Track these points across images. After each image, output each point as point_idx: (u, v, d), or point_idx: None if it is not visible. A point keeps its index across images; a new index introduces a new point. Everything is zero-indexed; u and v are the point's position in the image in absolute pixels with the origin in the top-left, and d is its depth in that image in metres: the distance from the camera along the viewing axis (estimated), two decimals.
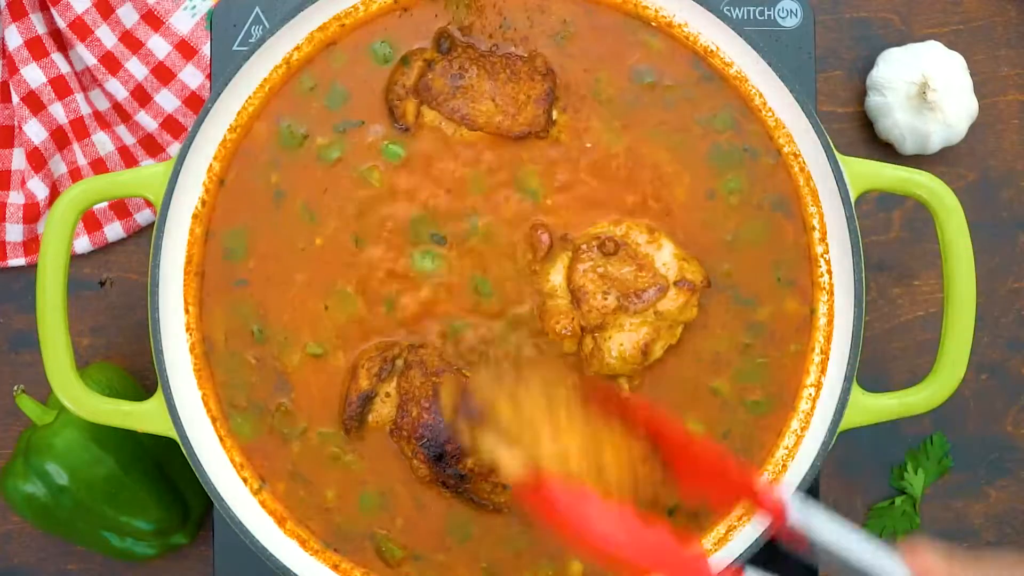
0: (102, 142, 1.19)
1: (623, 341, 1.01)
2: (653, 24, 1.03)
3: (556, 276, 1.02)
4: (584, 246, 1.01)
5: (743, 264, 1.03)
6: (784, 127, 1.02)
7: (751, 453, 1.02)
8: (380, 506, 1.03)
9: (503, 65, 1.03)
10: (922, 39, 1.19)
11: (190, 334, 1.02)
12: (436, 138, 1.03)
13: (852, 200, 0.99)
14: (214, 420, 1.02)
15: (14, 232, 1.18)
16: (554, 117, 1.03)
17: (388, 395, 1.02)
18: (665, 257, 1.01)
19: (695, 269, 1.01)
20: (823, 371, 1.02)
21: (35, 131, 1.16)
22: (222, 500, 1.00)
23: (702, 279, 1.01)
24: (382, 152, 1.03)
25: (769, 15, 1.09)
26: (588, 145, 1.03)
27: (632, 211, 1.03)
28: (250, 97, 1.02)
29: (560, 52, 1.03)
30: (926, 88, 1.13)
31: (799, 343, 1.03)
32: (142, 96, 1.18)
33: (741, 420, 1.03)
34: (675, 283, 1.00)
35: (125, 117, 1.20)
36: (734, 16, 1.09)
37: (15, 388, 1.09)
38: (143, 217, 1.20)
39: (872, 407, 1.00)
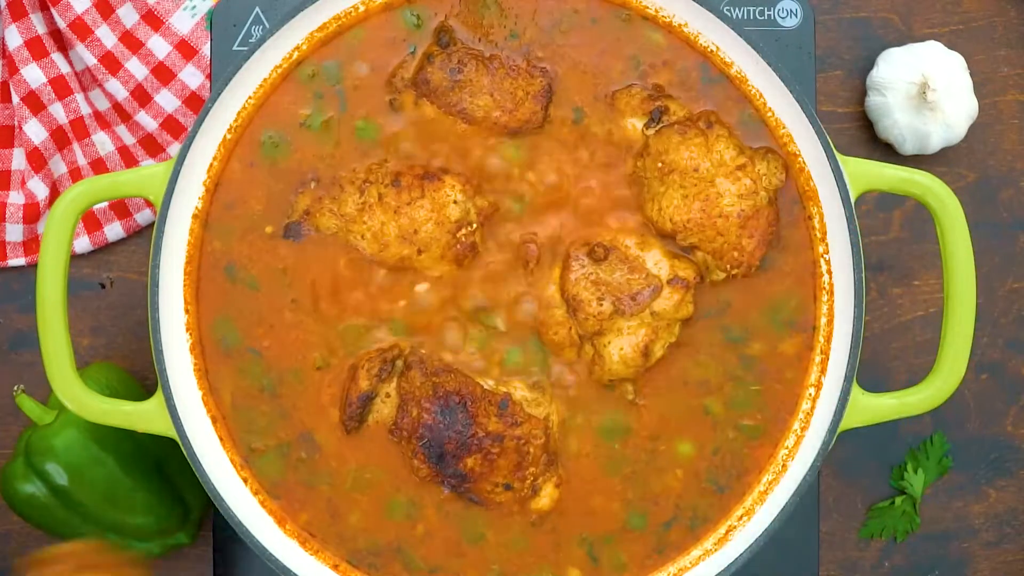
0: (102, 142, 1.19)
1: (623, 345, 1.00)
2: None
3: (549, 287, 1.02)
4: (573, 254, 1.01)
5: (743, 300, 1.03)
6: (784, 127, 1.02)
7: (753, 451, 1.03)
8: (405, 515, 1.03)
9: (501, 61, 1.03)
10: (922, 39, 1.19)
11: (190, 334, 1.02)
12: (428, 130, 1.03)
13: (852, 200, 0.99)
14: (214, 420, 1.02)
15: (14, 232, 1.18)
16: (550, 114, 1.03)
17: (388, 395, 1.02)
18: (656, 257, 1.01)
19: (687, 266, 1.01)
20: (823, 371, 1.02)
21: (35, 131, 1.16)
22: (222, 500, 1.00)
23: (695, 275, 1.01)
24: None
25: (769, 15, 1.09)
26: (587, 150, 1.03)
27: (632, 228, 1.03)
28: (250, 97, 1.02)
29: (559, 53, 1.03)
30: (926, 88, 1.13)
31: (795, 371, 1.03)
32: (142, 96, 1.18)
33: (735, 430, 1.03)
34: (668, 282, 1.00)
35: (125, 117, 1.20)
36: (734, 16, 1.09)
37: (15, 388, 1.09)
38: (143, 217, 1.20)
39: (872, 407, 1.00)
